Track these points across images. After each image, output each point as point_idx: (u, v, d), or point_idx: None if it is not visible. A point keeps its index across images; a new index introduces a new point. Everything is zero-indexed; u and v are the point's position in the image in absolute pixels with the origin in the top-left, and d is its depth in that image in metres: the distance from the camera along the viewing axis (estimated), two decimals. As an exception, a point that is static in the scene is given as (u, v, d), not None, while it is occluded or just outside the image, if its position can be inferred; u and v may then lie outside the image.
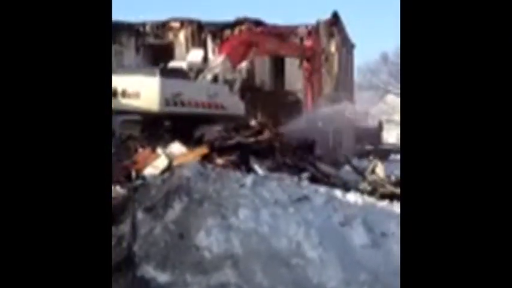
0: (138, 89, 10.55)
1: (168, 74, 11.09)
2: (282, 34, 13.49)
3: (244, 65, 12.16)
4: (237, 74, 12.03)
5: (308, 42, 14.79)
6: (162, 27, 20.24)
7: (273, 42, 13.21)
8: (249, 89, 15.14)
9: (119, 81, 10.19)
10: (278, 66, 18.89)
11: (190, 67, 11.89)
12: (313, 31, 14.56)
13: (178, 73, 11.50)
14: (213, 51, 15.82)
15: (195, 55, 12.59)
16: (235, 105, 12.08)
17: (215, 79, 11.56)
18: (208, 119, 10.91)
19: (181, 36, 19.76)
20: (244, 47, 12.27)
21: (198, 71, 11.68)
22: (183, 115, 10.70)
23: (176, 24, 20.00)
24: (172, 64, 12.90)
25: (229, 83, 11.91)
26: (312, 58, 14.76)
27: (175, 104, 10.66)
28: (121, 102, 10.35)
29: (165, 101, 10.51)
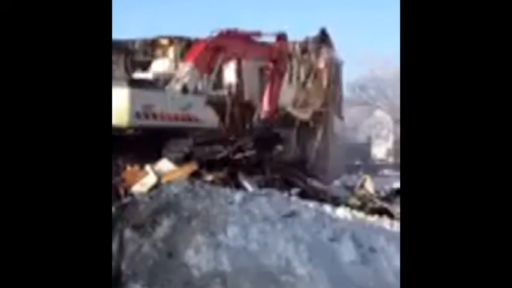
0: None
1: (137, 84, 10.25)
2: (248, 37, 13.16)
3: (213, 76, 11.79)
4: (206, 84, 11.41)
5: (276, 44, 14.64)
6: (151, 44, 20.30)
7: (238, 45, 12.65)
8: (238, 105, 15.09)
9: None
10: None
11: (157, 77, 11.18)
12: (282, 35, 14.43)
13: (147, 84, 10.62)
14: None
15: (161, 65, 11.75)
16: (209, 117, 11.48)
17: (184, 89, 10.86)
18: (181, 132, 10.33)
19: (171, 53, 19.82)
20: (211, 52, 11.68)
21: (165, 81, 10.91)
22: (155, 128, 9.94)
23: (165, 42, 20.05)
24: (138, 75, 12.05)
25: (216, 99, 11.43)
26: (278, 60, 14.71)
27: (146, 116, 9.87)
28: None
29: (136, 114, 9.73)
